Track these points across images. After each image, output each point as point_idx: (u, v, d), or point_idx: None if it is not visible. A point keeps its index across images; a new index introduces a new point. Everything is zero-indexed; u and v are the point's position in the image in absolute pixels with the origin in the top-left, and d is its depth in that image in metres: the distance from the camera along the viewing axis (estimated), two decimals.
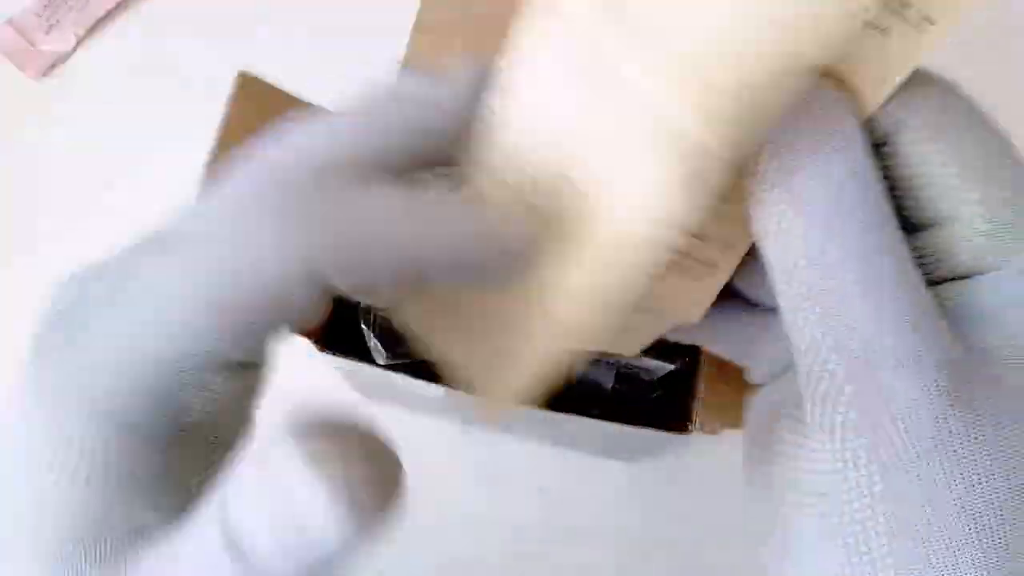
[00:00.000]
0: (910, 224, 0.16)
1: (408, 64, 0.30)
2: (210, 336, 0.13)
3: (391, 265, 0.13)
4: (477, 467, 0.42)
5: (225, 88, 0.26)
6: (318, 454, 0.12)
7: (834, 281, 0.14)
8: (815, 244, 0.14)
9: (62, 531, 0.13)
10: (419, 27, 0.31)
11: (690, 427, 0.26)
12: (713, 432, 0.25)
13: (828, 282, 0.14)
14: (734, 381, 0.26)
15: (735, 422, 0.25)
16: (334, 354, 0.28)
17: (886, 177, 0.15)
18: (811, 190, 0.14)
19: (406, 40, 0.31)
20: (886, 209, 0.14)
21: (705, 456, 0.42)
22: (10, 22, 0.50)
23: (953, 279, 0.15)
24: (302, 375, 0.28)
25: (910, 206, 0.16)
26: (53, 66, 0.50)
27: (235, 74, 0.25)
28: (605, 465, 0.42)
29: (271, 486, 0.12)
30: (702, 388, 0.26)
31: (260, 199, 0.14)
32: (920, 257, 0.15)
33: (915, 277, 0.14)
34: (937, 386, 0.13)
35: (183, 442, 0.14)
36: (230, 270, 0.13)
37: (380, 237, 0.13)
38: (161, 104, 0.49)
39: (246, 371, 0.15)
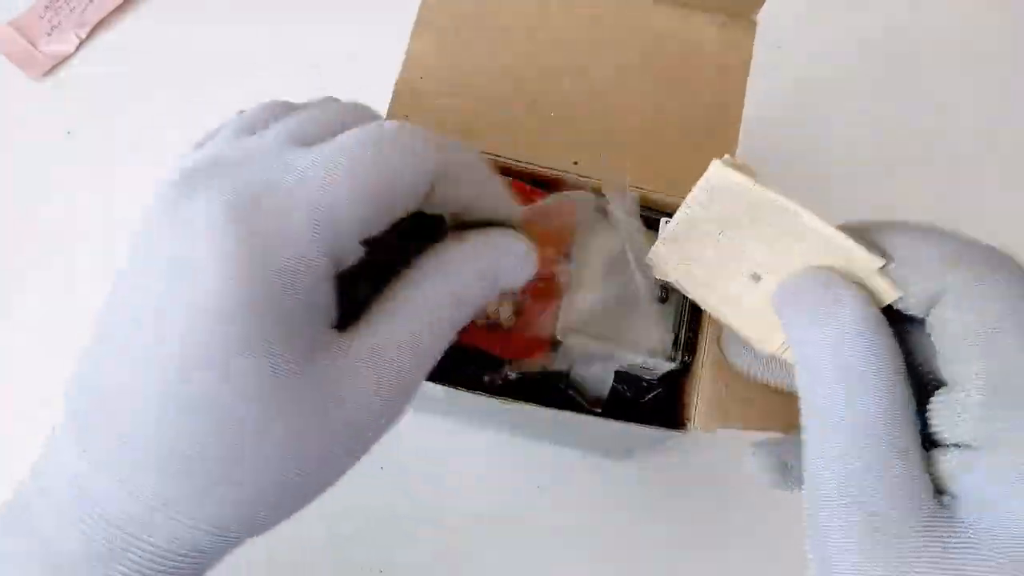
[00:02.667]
0: (931, 381, 0.18)
1: (409, 62, 0.30)
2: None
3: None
4: (477, 466, 0.42)
5: (224, 87, 0.26)
6: None
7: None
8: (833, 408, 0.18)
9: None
10: (419, 26, 0.31)
11: (688, 426, 0.26)
12: (710, 431, 0.25)
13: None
14: (732, 381, 0.26)
15: (731, 422, 0.25)
16: None
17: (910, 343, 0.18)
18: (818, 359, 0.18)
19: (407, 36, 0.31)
20: (889, 378, 0.17)
21: (703, 454, 0.42)
22: (12, 23, 0.51)
23: (952, 445, 0.17)
24: None
25: (931, 368, 0.18)
26: (54, 67, 0.50)
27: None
28: (604, 464, 0.42)
29: None
30: (700, 387, 0.26)
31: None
32: (929, 418, 0.18)
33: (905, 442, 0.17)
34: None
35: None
36: None
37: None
38: (161, 105, 0.49)
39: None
